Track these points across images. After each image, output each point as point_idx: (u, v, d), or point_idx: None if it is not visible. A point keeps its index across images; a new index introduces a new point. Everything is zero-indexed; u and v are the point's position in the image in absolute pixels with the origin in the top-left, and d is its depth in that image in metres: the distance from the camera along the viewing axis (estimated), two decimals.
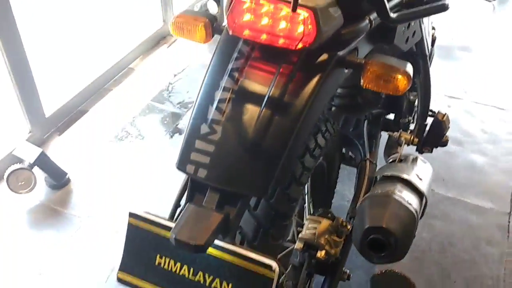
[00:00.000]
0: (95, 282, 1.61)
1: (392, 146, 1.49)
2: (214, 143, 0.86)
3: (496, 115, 2.39)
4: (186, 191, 0.91)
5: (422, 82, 1.49)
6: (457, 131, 2.25)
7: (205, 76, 0.95)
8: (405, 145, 1.47)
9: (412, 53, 1.38)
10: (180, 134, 2.24)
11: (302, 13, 0.85)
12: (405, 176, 1.14)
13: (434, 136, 1.54)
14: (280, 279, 0.83)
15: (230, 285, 0.82)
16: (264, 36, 0.88)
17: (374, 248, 1.02)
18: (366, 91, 1.09)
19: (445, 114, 1.52)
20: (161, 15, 2.83)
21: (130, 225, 0.87)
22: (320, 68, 0.91)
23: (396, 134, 1.47)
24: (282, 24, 0.87)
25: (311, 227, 1.13)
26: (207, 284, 0.83)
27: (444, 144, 1.63)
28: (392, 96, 1.15)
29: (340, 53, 0.94)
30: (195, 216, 0.82)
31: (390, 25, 1.07)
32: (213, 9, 1.22)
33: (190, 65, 2.68)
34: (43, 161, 1.88)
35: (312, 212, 1.43)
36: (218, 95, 0.89)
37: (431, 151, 1.59)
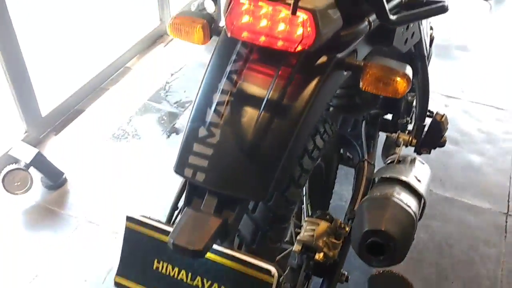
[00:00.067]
0: (92, 284, 1.60)
1: (390, 147, 1.49)
2: (213, 147, 0.85)
3: (494, 115, 2.39)
4: (184, 194, 0.90)
5: (420, 83, 1.49)
6: (455, 130, 2.25)
7: (203, 78, 0.94)
8: (403, 146, 1.47)
9: (411, 54, 1.38)
10: (177, 133, 2.23)
11: (301, 15, 0.84)
12: (403, 178, 1.14)
13: (432, 137, 1.54)
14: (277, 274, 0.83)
15: None
16: (262, 38, 0.88)
17: (373, 251, 1.02)
18: (364, 92, 1.08)
19: (444, 115, 1.52)
20: (158, 14, 2.82)
21: (127, 229, 0.87)
22: (319, 70, 0.91)
23: (394, 135, 1.47)
24: (281, 26, 0.86)
25: (309, 229, 1.13)
26: None
27: (442, 144, 1.63)
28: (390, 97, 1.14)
29: (339, 55, 0.93)
30: (193, 220, 0.81)
31: (389, 27, 1.06)
32: (210, 8, 1.21)
33: (187, 64, 2.67)
34: (39, 161, 1.87)
35: (310, 213, 1.42)
36: (217, 97, 0.89)
37: (429, 152, 1.59)
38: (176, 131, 2.24)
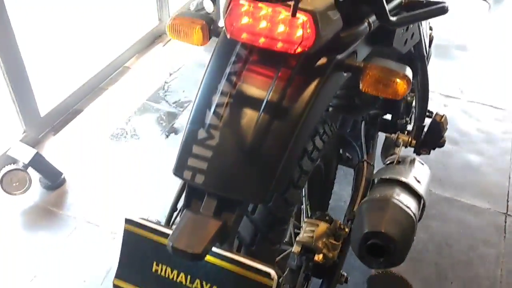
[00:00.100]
0: (91, 284, 1.60)
1: (390, 147, 1.49)
2: (212, 149, 0.85)
3: (492, 115, 2.39)
4: (183, 196, 0.90)
5: (420, 83, 1.49)
6: (454, 130, 2.25)
7: (202, 80, 0.93)
8: (403, 147, 1.46)
9: (410, 54, 1.38)
10: (176, 133, 2.23)
11: (301, 17, 0.84)
12: (403, 179, 1.14)
13: (432, 137, 1.54)
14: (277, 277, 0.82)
15: None
16: (262, 40, 0.87)
17: (373, 253, 1.01)
18: (364, 92, 1.08)
19: (443, 115, 1.52)
20: (157, 14, 2.81)
21: (126, 232, 0.86)
22: (319, 72, 0.90)
23: (393, 135, 1.47)
24: (281, 28, 0.86)
25: (308, 230, 1.13)
26: None
27: (442, 145, 1.63)
28: None
29: (339, 56, 0.93)
30: (192, 223, 0.81)
31: (389, 28, 1.06)
32: (209, 8, 1.21)
33: (186, 64, 2.66)
34: (37, 162, 1.86)
35: (309, 214, 1.42)
36: (216, 99, 0.88)
37: (429, 153, 1.59)
38: (175, 131, 2.24)
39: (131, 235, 0.86)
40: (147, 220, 0.87)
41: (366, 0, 0.94)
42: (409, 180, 1.14)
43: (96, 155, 2.08)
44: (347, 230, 1.13)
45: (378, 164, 1.43)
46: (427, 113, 1.58)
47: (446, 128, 1.54)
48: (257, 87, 0.88)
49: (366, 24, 0.94)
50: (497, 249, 1.75)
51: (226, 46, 0.94)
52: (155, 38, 2.82)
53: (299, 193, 1.10)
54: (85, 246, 1.72)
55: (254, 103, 0.87)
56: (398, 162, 1.27)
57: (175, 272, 0.83)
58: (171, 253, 0.77)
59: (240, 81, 0.89)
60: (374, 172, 1.31)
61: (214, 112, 0.87)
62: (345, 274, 1.25)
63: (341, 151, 1.56)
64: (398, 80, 0.89)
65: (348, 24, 0.92)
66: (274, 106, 0.86)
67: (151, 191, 1.91)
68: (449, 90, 2.52)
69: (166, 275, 0.83)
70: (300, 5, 0.81)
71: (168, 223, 1.00)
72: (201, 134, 0.87)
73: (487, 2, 3.21)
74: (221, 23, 0.94)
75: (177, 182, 1.07)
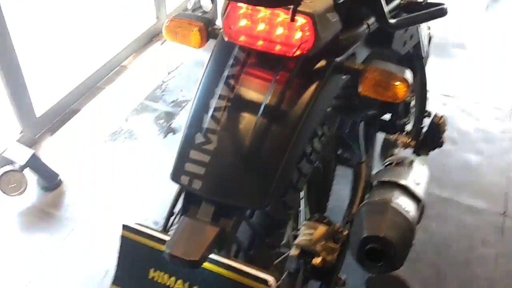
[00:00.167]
0: (89, 285, 1.59)
1: (389, 148, 1.48)
2: (209, 153, 0.84)
3: (491, 114, 2.38)
4: (181, 200, 0.89)
5: (418, 84, 1.48)
6: (452, 130, 2.24)
7: (199, 83, 0.92)
8: (402, 148, 1.46)
9: (409, 55, 1.37)
10: (174, 133, 2.21)
11: (300, 19, 0.83)
12: (402, 182, 1.13)
13: (431, 138, 1.53)
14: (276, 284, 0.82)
15: None
16: (260, 43, 0.86)
17: (372, 257, 1.01)
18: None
19: (442, 116, 1.51)
20: (154, 12, 2.79)
21: (123, 238, 0.85)
22: (318, 74, 0.89)
23: (392, 136, 1.46)
24: (279, 30, 0.85)
25: (307, 233, 1.12)
26: None
27: (441, 144, 1.62)
28: None
29: (338, 59, 0.92)
30: (189, 229, 0.80)
31: (388, 30, 1.05)
32: (207, 6, 1.20)
33: (184, 62, 2.65)
34: (34, 163, 1.85)
35: (308, 217, 1.41)
36: (214, 103, 0.87)
37: (428, 154, 1.58)
38: (173, 130, 2.23)
39: (128, 241, 0.85)
40: (145, 226, 0.86)
41: (365, 2, 0.93)
42: (408, 182, 1.14)
43: (93, 155, 2.07)
44: (345, 232, 1.13)
45: (377, 164, 1.42)
46: (426, 114, 1.58)
47: (445, 129, 1.54)
48: (255, 91, 0.87)
49: (365, 26, 0.94)
50: (495, 249, 1.75)
51: (224, 49, 0.93)
52: (152, 36, 2.80)
53: (298, 196, 1.10)
54: (83, 248, 1.71)
55: (252, 107, 0.86)
56: (397, 164, 1.27)
57: (172, 279, 0.82)
58: (168, 260, 0.76)
59: (238, 85, 0.88)
60: (373, 173, 1.30)
61: (212, 116, 0.86)
62: (343, 277, 1.24)
63: (340, 151, 1.55)
64: (398, 83, 0.88)
65: (347, 27, 0.91)
66: (273, 110, 0.85)
67: (149, 191, 1.90)
68: (448, 89, 2.51)
69: (163, 282, 0.83)
70: (298, 8, 0.80)
71: (165, 228, 0.99)
72: (199, 138, 0.86)
73: (485, 0, 3.21)
74: (218, 22, 0.93)
75: (175, 183, 1.06)
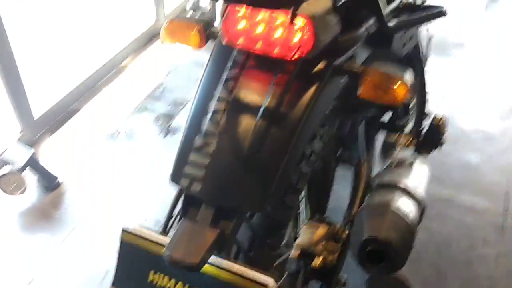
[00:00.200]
0: (89, 286, 1.59)
1: (389, 148, 1.48)
2: (209, 156, 0.84)
3: (491, 113, 2.38)
4: (180, 202, 0.89)
5: (418, 85, 1.48)
6: (452, 129, 2.24)
7: (199, 85, 0.92)
8: (402, 148, 1.45)
9: (408, 56, 1.37)
10: (174, 133, 2.21)
11: (299, 22, 0.83)
12: (402, 183, 1.13)
13: (431, 138, 1.53)
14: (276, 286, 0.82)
15: None
16: (259, 45, 0.86)
17: (373, 259, 1.00)
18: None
19: (442, 117, 1.51)
20: (154, 12, 2.79)
21: (123, 241, 0.85)
22: (317, 76, 0.89)
23: (392, 137, 1.46)
24: (278, 33, 0.85)
25: (307, 233, 1.12)
26: None
27: (441, 145, 1.62)
28: None
29: (337, 61, 0.91)
30: (189, 232, 0.80)
31: (388, 32, 1.05)
32: (206, 6, 1.19)
33: (183, 63, 2.65)
34: (35, 163, 1.85)
35: (308, 217, 1.41)
36: (213, 106, 0.87)
37: (428, 154, 1.58)
38: (172, 131, 2.23)
39: (127, 244, 0.85)
40: (144, 228, 0.86)
41: (363, 4, 0.93)
42: (409, 184, 1.13)
43: (93, 156, 2.07)
44: (346, 233, 1.12)
45: (377, 165, 1.42)
46: (426, 114, 1.57)
47: (446, 130, 1.54)
48: (254, 93, 0.87)
49: (364, 28, 0.93)
50: (496, 249, 1.75)
51: (223, 51, 0.92)
52: (152, 36, 2.80)
53: (298, 197, 1.09)
54: (83, 248, 1.71)
55: (251, 109, 0.86)
56: (397, 164, 1.26)
57: (172, 281, 0.82)
58: (168, 263, 0.76)
59: (237, 87, 0.88)
60: (373, 174, 1.30)
61: (211, 119, 0.86)
62: (344, 278, 1.24)
63: (340, 152, 1.55)
64: (396, 86, 0.88)
65: (346, 29, 0.91)
66: (272, 113, 0.85)
67: (148, 191, 1.90)
68: (447, 88, 2.51)
69: (163, 284, 0.82)
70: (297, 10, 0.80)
71: (164, 230, 0.99)
72: (198, 141, 0.85)
73: None
74: (216, 23, 0.93)
75: (175, 184, 1.06)
